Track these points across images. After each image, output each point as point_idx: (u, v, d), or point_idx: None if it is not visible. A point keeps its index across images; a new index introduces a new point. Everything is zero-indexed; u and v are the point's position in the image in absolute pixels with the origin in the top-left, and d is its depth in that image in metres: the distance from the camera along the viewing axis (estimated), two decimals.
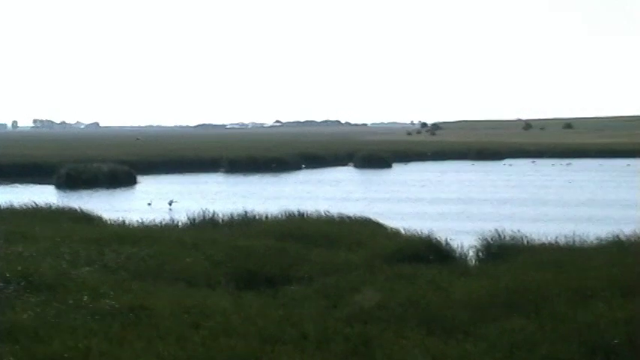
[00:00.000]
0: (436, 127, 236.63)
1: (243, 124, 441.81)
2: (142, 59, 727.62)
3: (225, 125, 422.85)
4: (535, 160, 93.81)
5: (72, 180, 58.45)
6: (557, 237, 22.56)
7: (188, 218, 28.13)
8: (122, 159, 71.59)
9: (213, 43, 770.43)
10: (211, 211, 28.77)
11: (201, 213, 28.24)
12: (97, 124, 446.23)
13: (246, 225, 26.54)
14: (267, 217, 28.43)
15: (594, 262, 18.52)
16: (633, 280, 16.31)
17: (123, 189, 58.08)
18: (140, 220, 27.77)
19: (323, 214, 28.68)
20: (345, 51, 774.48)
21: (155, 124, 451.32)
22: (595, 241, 22.08)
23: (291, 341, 12.44)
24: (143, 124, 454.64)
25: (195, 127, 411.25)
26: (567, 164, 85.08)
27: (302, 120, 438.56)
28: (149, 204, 44.62)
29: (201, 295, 15.67)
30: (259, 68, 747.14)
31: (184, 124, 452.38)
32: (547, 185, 59.10)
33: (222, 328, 12.97)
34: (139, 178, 64.35)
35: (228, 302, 15.13)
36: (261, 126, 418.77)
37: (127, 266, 18.42)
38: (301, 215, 28.65)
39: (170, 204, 42.81)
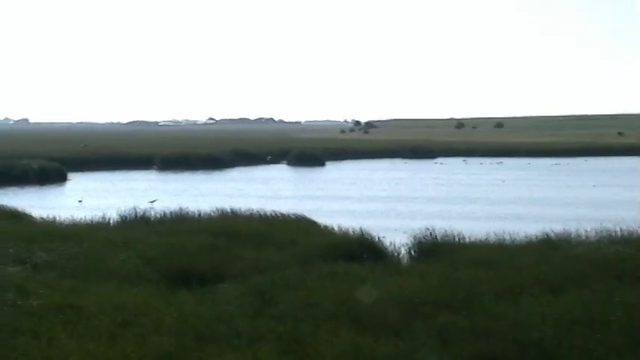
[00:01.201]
0: (370, 125, 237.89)
1: (176, 122, 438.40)
2: (72, 55, 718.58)
3: (158, 122, 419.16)
4: (466, 158, 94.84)
5: (0, 177, 57.44)
6: (487, 235, 22.80)
7: (119, 216, 27.79)
8: (52, 156, 70.64)
9: (144, 39, 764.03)
10: (142, 208, 28.50)
11: (133, 210, 27.93)
12: (26, 120, 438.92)
13: (178, 223, 26.32)
14: (199, 214, 28.22)
15: (524, 259, 18.76)
16: (561, 277, 16.57)
17: (53, 186, 57.30)
18: (70, 218, 27.38)
19: (256, 211, 28.59)
20: (279, 48, 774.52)
21: (86, 120, 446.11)
22: (525, 239, 22.35)
23: (223, 339, 12.38)
24: (74, 120, 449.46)
25: (126, 124, 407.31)
26: (498, 163, 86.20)
27: (236, 117, 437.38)
28: (80, 201, 44.06)
29: (133, 293, 15.50)
30: (192, 65, 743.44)
31: (116, 120, 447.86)
32: (475, 184, 59.76)
33: (153, 327, 12.85)
34: (70, 175, 63.54)
35: (160, 300, 14.99)
36: (195, 123, 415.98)
37: (57, 264, 18.13)
38: (234, 213, 28.51)
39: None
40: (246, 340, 12.41)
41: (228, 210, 28.80)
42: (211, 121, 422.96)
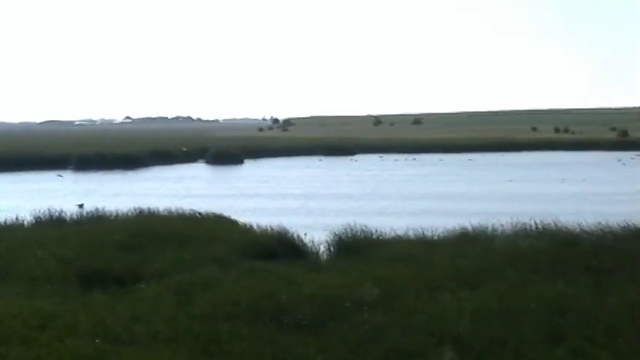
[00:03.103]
0: (288, 122, 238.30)
1: (91, 121, 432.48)
2: None
3: (73, 122, 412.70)
4: (383, 155, 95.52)
5: None
6: (406, 230, 22.96)
7: (34, 217, 27.25)
8: None
9: (59, 37, 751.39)
10: (58, 208, 28.01)
11: (47, 211, 27.42)
12: None
13: (95, 223, 25.94)
14: (117, 214, 27.87)
15: (442, 254, 18.96)
16: (478, 271, 16.79)
17: None
18: None
19: (174, 210, 28.34)
20: (196, 45, 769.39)
21: None
22: (442, 234, 22.57)
23: (140, 340, 12.22)
24: None
25: (40, 123, 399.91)
26: (413, 159, 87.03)
27: (153, 116, 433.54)
28: None
29: (48, 295, 15.21)
30: (108, 62, 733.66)
31: (29, 120, 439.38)
32: (388, 180, 60.25)
33: (69, 329, 12.61)
34: None
35: (76, 302, 14.74)
36: (111, 122, 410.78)
37: None
38: (152, 212, 28.21)
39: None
40: (163, 340, 12.27)
41: (146, 209, 28.48)
42: (128, 120, 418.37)
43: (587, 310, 13.46)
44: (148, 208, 28.63)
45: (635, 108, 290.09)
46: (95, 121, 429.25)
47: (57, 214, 27.40)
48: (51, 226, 25.74)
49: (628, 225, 20.88)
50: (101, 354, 11.50)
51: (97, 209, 28.08)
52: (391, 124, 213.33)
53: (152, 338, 12.37)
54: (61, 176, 59.53)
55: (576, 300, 14.14)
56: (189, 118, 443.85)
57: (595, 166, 72.94)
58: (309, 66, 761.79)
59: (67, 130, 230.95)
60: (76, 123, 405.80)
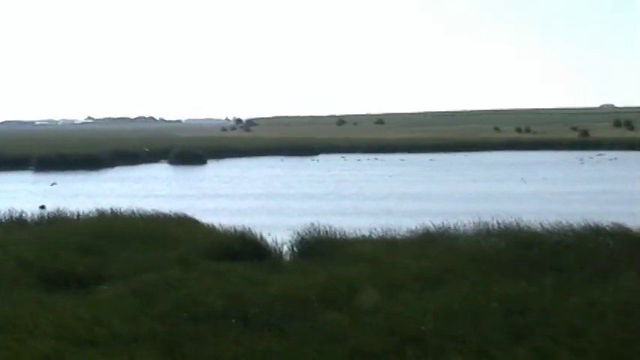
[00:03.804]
0: (251, 123, 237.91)
1: (52, 121, 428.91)
2: None
3: (34, 122, 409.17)
4: (345, 155, 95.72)
5: None
6: (369, 231, 22.99)
7: None
8: None
9: (17, 35, 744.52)
10: (19, 209, 27.75)
11: (8, 212, 27.15)
12: None
13: (56, 224, 25.72)
14: (78, 215, 27.66)
15: (405, 254, 19.01)
16: (441, 271, 16.86)
17: None
18: None
19: (137, 211, 28.17)
20: (156, 45, 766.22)
21: None
22: (405, 234, 22.62)
23: (101, 342, 12.14)
24: None
25: (0, 123, 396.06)
26: (375, 159, 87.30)
27: (115, 116, 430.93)
28: None
29: (8, 297, 15.06)
30: (69, 62, 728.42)
31: None
32: (349, 180, 60.37)
33: (29, 331, 12.49)
34: None
35: (37, 304, 14.60)
36: (72, 122, 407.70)
37: None
38: (114, 213, 28.02)
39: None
40: (125, 341, 12.20)
41: (108, 210, 28.29)
42: (90, 121, 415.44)
43: (549, 309, 13.57)
44: (111, 209, 28.43)
45: (595, 108, 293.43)
46: (56, 122, 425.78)
47: (18, 215, 27.15)
48: (11, 227, 25.49)
49: (588, 224, 21.08)
50: (61, 355, 11.41)
51: (58, 210, 27.84)
52: (354, 124, 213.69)
53: (113, 339, 12.30)
54: (55, 184, 58.53)
55: (538, 299, 14.26)
56: (151, 118, 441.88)
57: (555, 166, 73.60)
58: (272, 66, 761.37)
59: (27, 130, 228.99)
60: (37, 123, 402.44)
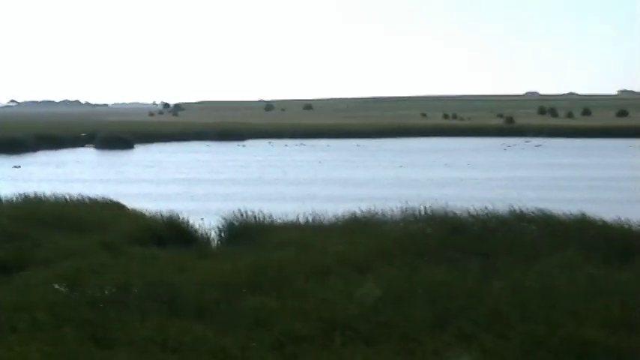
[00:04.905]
0: (178, 107, 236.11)
1: None
2: None
3: None
4: (272, 140, 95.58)
5: None
6: (297, 216, 23.00)
7: None
8: None
9: None
10: None
11: None
12: None
13: None
14: (0, 200, 27.15)
15: (332, 239, 19.08)
16: (368, 256, 16.98)
17: None
18: None
19: (62, 196, 27.76)
20: (83, 28, 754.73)
21: None
22: (333, 220, 22.68)
23: (25, 328, 11.98)
24: None
25: None
26: (302, 144, 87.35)
27: (40, 100, 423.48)
28: None
29: None
30: None
31: None
32: (274, 165, 60.37)
33: None
34: None
35: None
36: None
37: None
38: (38, 198, 27.57)
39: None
40: (50, 328, 12.04)
41: (32, 195, 27.81)
42: (13, 104, 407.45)
43: (474, 294, 13.77)
44: (35, 194, 27.96)
45: (520, 95, 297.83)
46: None
47: None
48: None
49: (513, 209, 21.41)
50: None
51: None
52: (283, 109, 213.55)
53: (37, 326, 12.13)
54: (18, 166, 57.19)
55: (463, 284, 14.45)
56: (77, 101, 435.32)
57: (479, 152, 74.59)
58: (200, 51, 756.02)
59: None
60: None
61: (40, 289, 14.67)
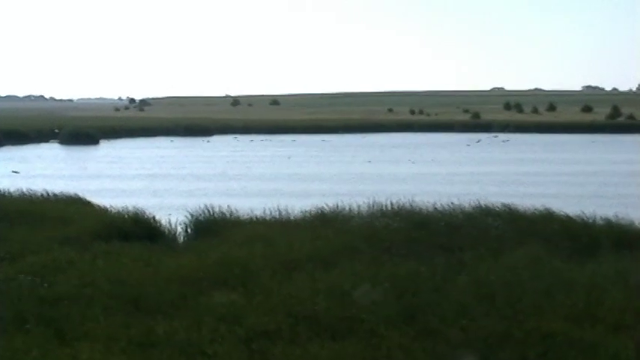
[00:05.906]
0: (144, 103, 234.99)
1: None
2: None
3: None
4: (238, 136, 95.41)
5: None
6: (263, 212, 22.94)
7: None
8: None
9: None
10: None
11: None
12: None
13: None
14: None
15: (299, 235, 19.06)
16: (334, 251, 16.98)
17: None
18: None
19: (25, 191, 27.54)
20: (47, 22, 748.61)
21: None
22: (300, 215, 22.66)
23: None
24: None
25: None
26: (268, 140, 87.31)
27: (2, 95, 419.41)
28: None
29: None
30: None
31: None
32: (239, 160, 60.35)
33: None
34: None
35: None
36: None
37: None
38: (2, 194, 27.33)
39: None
40: (12, 325, 11.93)
41: None
42: None
43: (439, 288, 13.82)
44: None
45: (486, 91, 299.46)
46: None
47: None
48: None
49: (479, 205, 21.53)
50: None
51: None
52: (249, 104, 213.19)
53: (1, 322, 12.01)
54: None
55: (429, 278, 14.49)
56: (41, 97, 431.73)
57: (444, 147, 74.97)
58: (166, 47, 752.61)
59: None
60: None
61: (5, 285, 14.54)
